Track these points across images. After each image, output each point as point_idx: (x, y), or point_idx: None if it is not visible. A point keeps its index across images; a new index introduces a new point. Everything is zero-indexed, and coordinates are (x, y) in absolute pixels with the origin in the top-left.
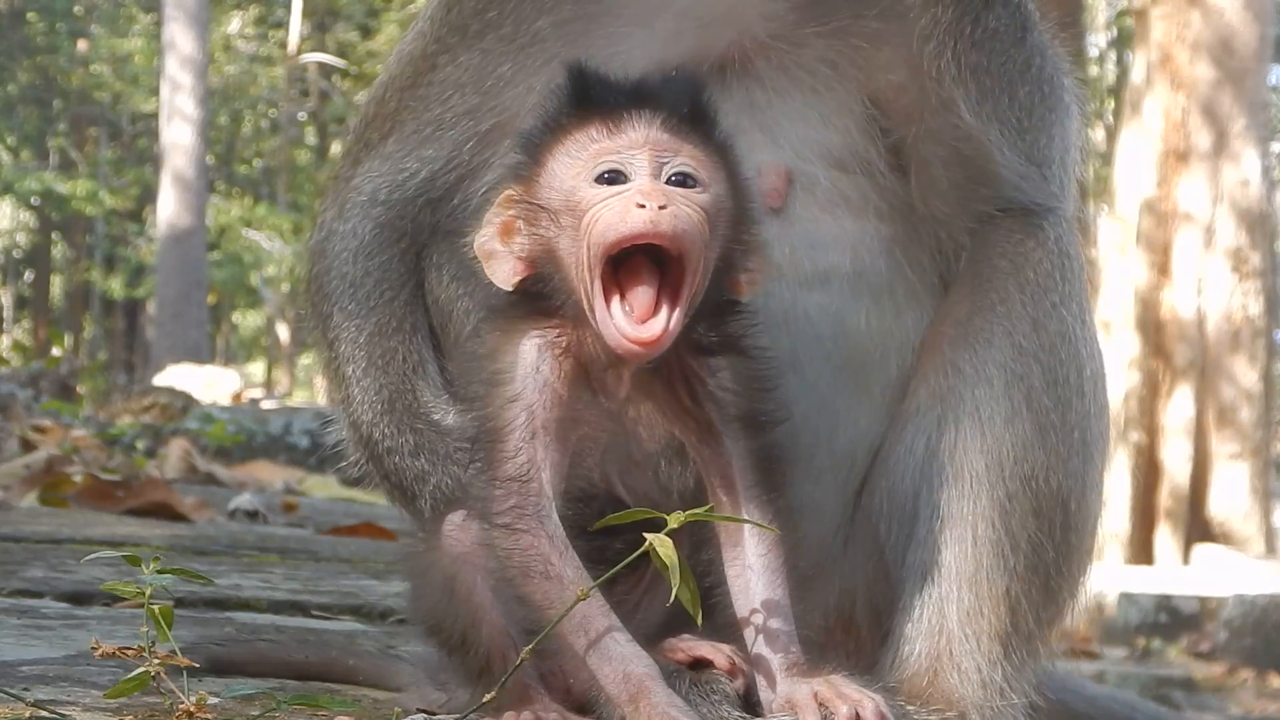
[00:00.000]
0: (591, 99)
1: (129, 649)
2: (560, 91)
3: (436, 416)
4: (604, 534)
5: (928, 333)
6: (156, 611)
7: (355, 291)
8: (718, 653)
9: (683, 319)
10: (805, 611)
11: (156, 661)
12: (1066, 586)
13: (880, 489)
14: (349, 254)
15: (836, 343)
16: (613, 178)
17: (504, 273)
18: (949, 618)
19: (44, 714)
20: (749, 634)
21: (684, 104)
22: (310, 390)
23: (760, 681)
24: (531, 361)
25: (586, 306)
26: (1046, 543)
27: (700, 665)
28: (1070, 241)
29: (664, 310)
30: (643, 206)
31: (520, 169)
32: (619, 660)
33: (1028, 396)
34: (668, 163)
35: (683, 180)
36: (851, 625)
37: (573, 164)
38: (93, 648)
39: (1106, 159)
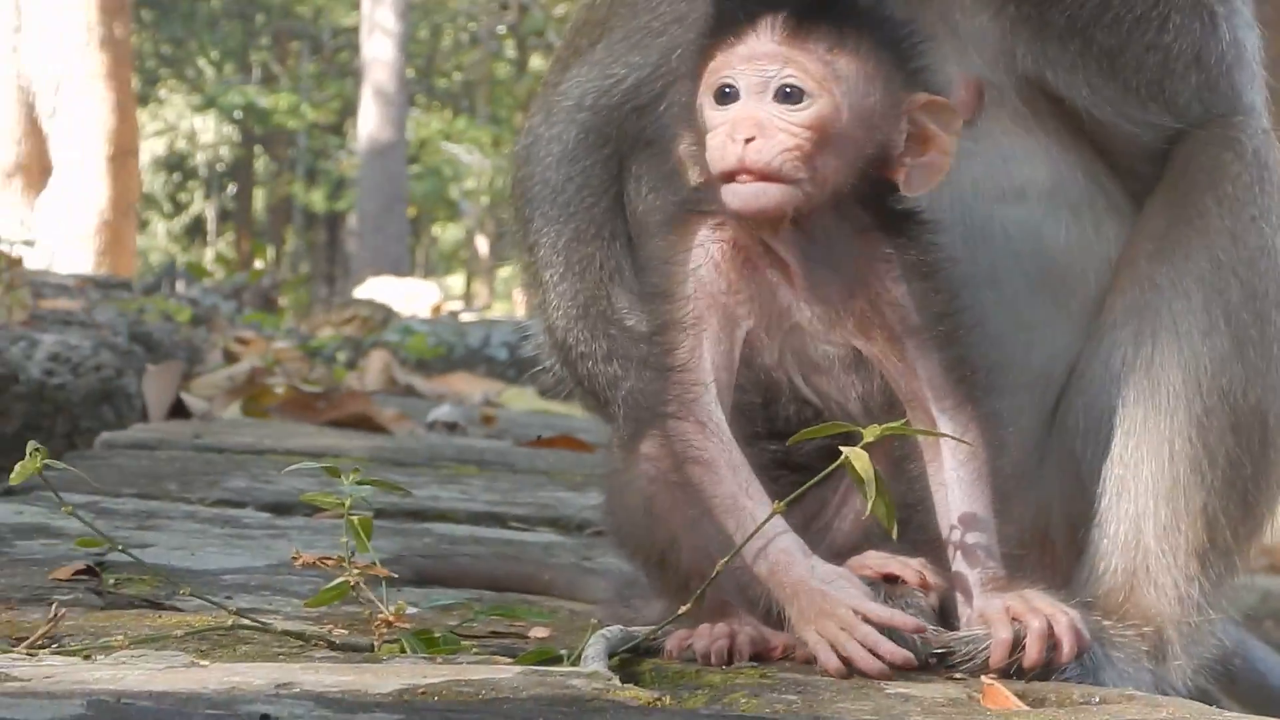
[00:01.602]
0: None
1: (329, 559)
2: None
3: (630, 322)
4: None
5: (1124, 248)
6: (356, 522)
7: (557, 197)
8: (906, 568)
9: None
10: (1004, 525)
11: (356, 571)
12: (1265, 501)
13: (1076, 404)
14: (553, 159)
15: (1034, 258)
16: (725, 95)
17: (694, 176)
18: (1145, 533)
19: (246, 622)
20: (948, 549)
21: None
22: (509, 303)
23: (958, 597)
24: (697, 254)
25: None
26: (1244, 458)
27: (892, 580)
28: (1269, 152)
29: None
30: (734, 140)
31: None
32: (759, 537)
33: (1225, 310)
34: (773, 77)
35: (787, 95)
36: (1047, 541)
37: (703, 79)
38: (293, 558)
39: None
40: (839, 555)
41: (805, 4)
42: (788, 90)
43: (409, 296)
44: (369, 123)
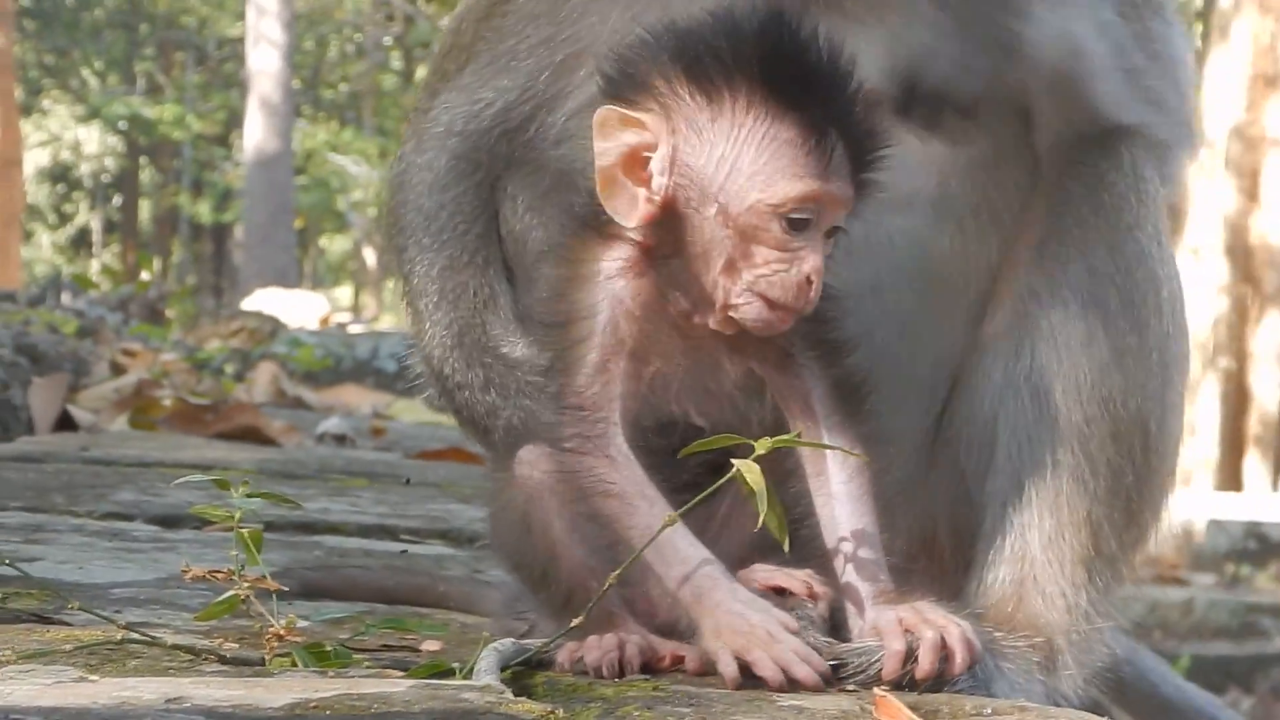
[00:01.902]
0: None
1: (219, 572)
2: (754, 36)
3: (505, 350)
4: (685, 461)
5: (1004, 257)
6: (246, 535)
7: (429, 225)
8: (793, 579)
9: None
10: (890, 538)
11: (246, 585)
12: (1149, 509)
13: (960, 415)
14: (424, 186)
15: (919, 267)
16: (800, 224)
17: (627, 209)
18: (1031, 543)
19: (135, 636)
20: (837, 562)
21: (871, 124)
22: (397, 315)
23: (849, 609)
24: (607, 289)
25: (709, 288)
26: (1127, 466)
27: (780, 593)
28: (1144, 161)
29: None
30: (808, 284)
31: (661, 91)
32: (680, 563)
33: (1104, 320)
34: (843, 212)
35: (833, 233)
36: (934, 552)
37: (769, 182)
38: (183, 571)
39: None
40: (729, 570)
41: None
42: (836, 230)
43: (297, 308)
44: (255, 134)
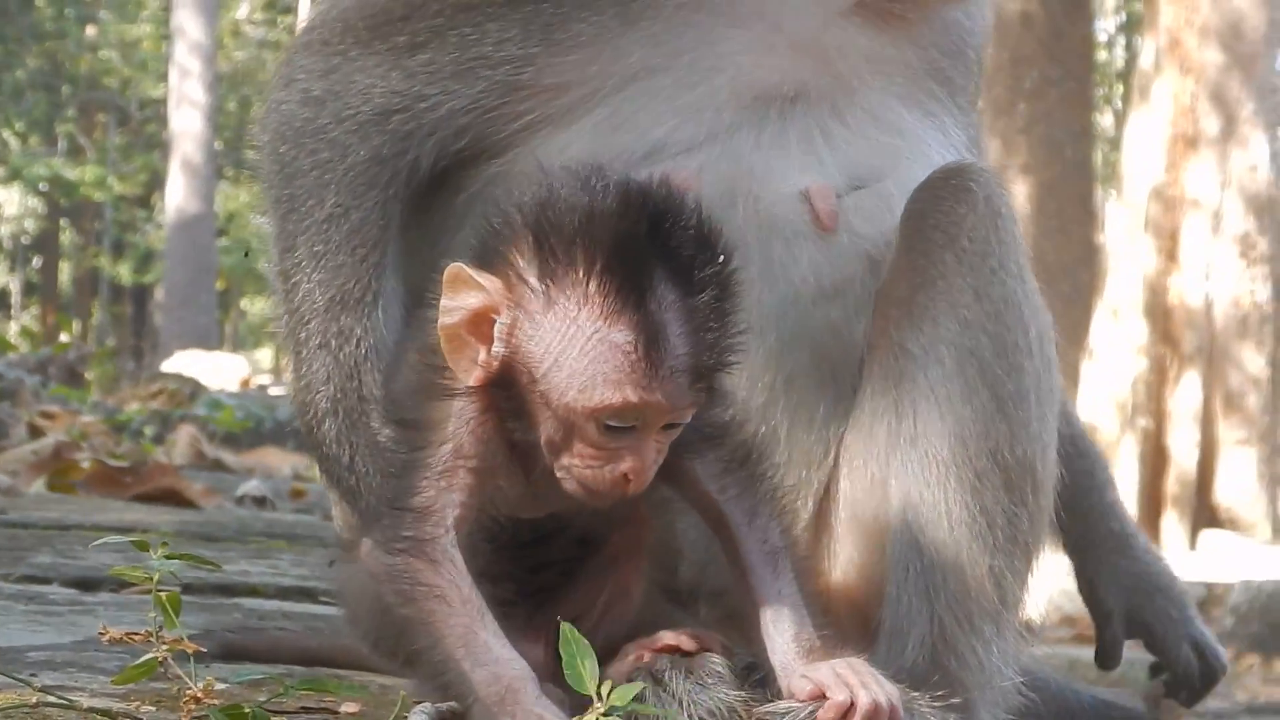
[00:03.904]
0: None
1: (136, 634)
2: (604, 217)
3: (374, 426)
4: (550, 539)
5: (875, 313)
6: (164, 597)
7: (327, 231)
8: (679, 636)
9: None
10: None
11: (164, 647)
12: (1043, 546)
13: (844, 476)
14: (333, 175)
15: (839, 357)
16: (617, 431)
17: (466, 368)
18: (938, 606)
19: (51, 699)
20: (762, 624)
21: (718, 320)
22: None
23: (779, 668)
24: (459, 407)
25: (545, 451)
26: (1021, 512)
27: (688, 654)
28: (1000, 198)
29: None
30: (625, 480)
31: (510, 260)
32: (492, 664)
33: (980, 370)
34: (678, 415)
35: (673, 426)
36: (830, 614)
37: (589, 384)
38: (100, 633)
39: (1115, 144)
40: (616, 648)
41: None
42: (675, 425)
43: (217, 370)
44: (177, 195)
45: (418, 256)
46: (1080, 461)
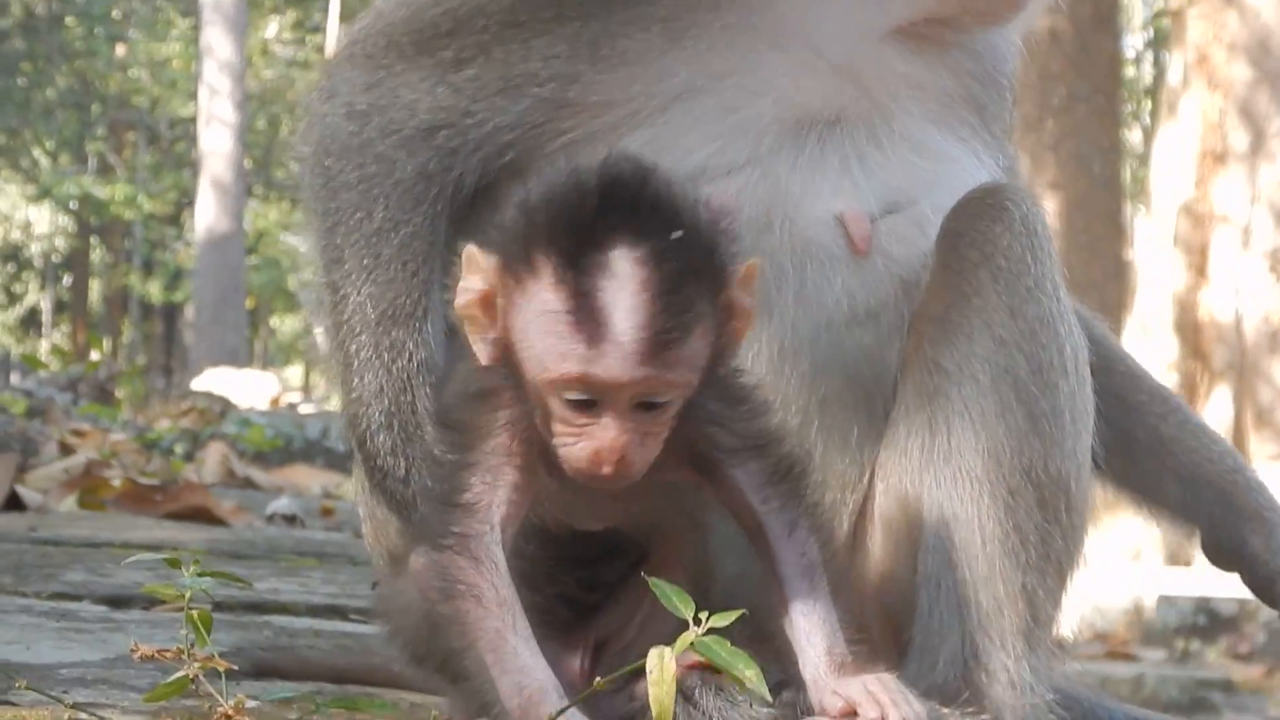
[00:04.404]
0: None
1: (168, 652)
2: (561, 199)
3: (428, 439)
4: (602, 552)
5: (910, 331)
6: (196, 615)
7: (375, 245)
8: None
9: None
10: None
11: (195, 665)
12: (1077, 563)
13: (879, 494)
14: (381, 189)
15: (871, 381)
16: (583, 405)
17: (481, 349)
18: (969, 622)
19: (83, 716)
20: (794, 638)
21: (684, 272)
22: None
23: (811, 683)
24: (505, 419)
25: (544, 433)
26: (1054, 530)
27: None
28: (1036, 218)
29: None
30: (599, 458)
31: (501, 246)
32: (517, 671)
33: (1015, 387)
34: (640, 393)
35: (651, 405)
36: (864, 631)
37: (542, 359)
38: (132, 650)
39: (1143, 160)
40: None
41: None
42: (653, 403)
43: (247, 388)
44: (207, 214)
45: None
46: (1207, 439)
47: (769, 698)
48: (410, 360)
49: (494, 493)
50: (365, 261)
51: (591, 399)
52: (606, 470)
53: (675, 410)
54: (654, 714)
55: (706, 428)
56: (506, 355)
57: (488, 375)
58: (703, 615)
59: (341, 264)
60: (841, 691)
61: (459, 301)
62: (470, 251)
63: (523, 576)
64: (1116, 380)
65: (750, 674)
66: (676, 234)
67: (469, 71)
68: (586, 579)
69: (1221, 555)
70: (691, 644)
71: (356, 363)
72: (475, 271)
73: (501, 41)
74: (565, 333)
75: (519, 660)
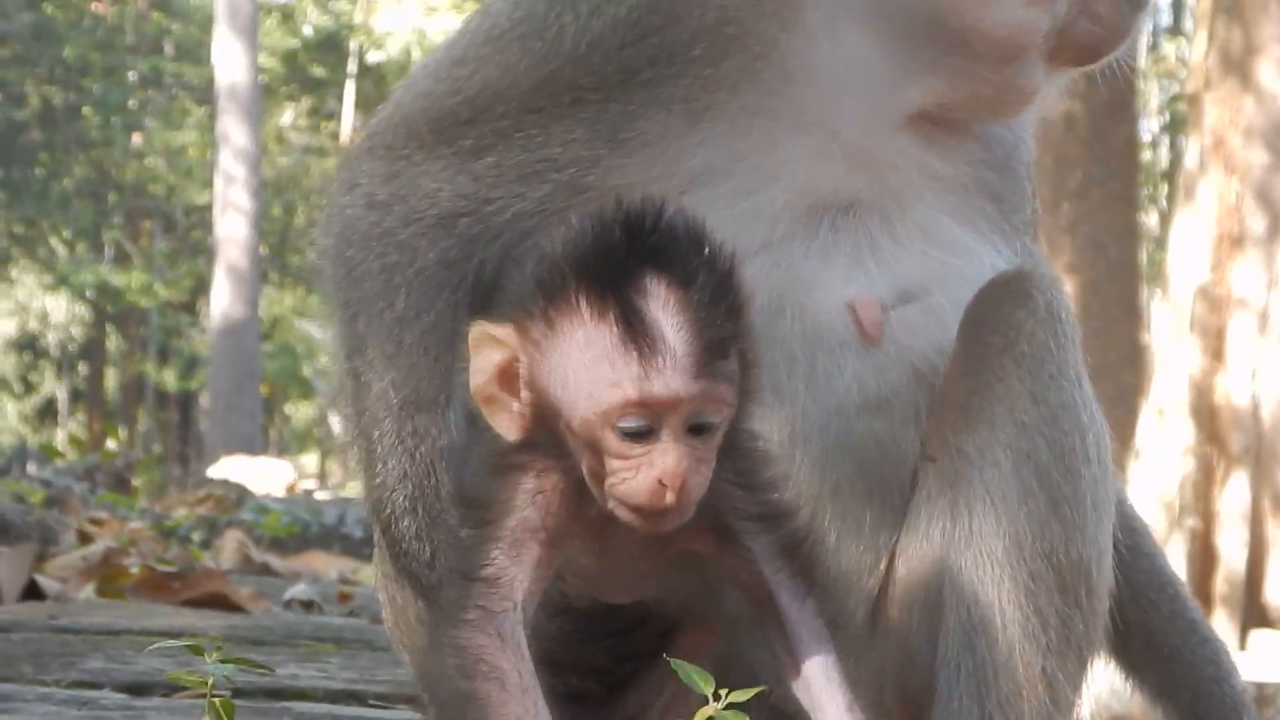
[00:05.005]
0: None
1: None
2: (587, 242)
3: (452, 522)
4: (629, 631)
5: (930, 417)
6: (218, 703)
7: (397, 333)
8: None
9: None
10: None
11: None
12: (1097, 648)
13: (900, 579)
14: (403, 278)
15: (884, 470)
16: (637, 433)
17: (506, 424)
18: (989, 704)
19: None
20: (812, 704)
21: (720, 308)
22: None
23: None
24: (530, 480)
25: (597, 493)
26: (1075, 614)
27: None
28: (1060, 305)
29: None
30: (661, 487)
31: (520, 306)
32: None
33: (1036, 473)
34: (693, 411)
35: (702, 428)
36: (884, 715)
37: (593, 393)
38: None
39: (1160, 244)
40: None
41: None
42: (705, 425)
43: (263, 475)
44: (222, 300)
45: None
46: (1196, 639)
47: None
48: (433, 446)
49: (518, 568)
50: (388, 349)
51: (647, 426)
52: (670, 500)
53: (720, 439)
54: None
55: (727, 489)
56: (538, 418)
57: (511, 451)
58: (723, 691)
59: (364, 352)
60: None
61: (475, 384)
62: (478, 329)
63: (545, 655)
64: (1119, 552)
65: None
66: (705, 252)
67: (489, 159)
68: (615, 648)
69: None
70: (710, 718)
71: (380, 449)
72: (489, 346)
73: (521, 128)
74: (615, 359)
75: None
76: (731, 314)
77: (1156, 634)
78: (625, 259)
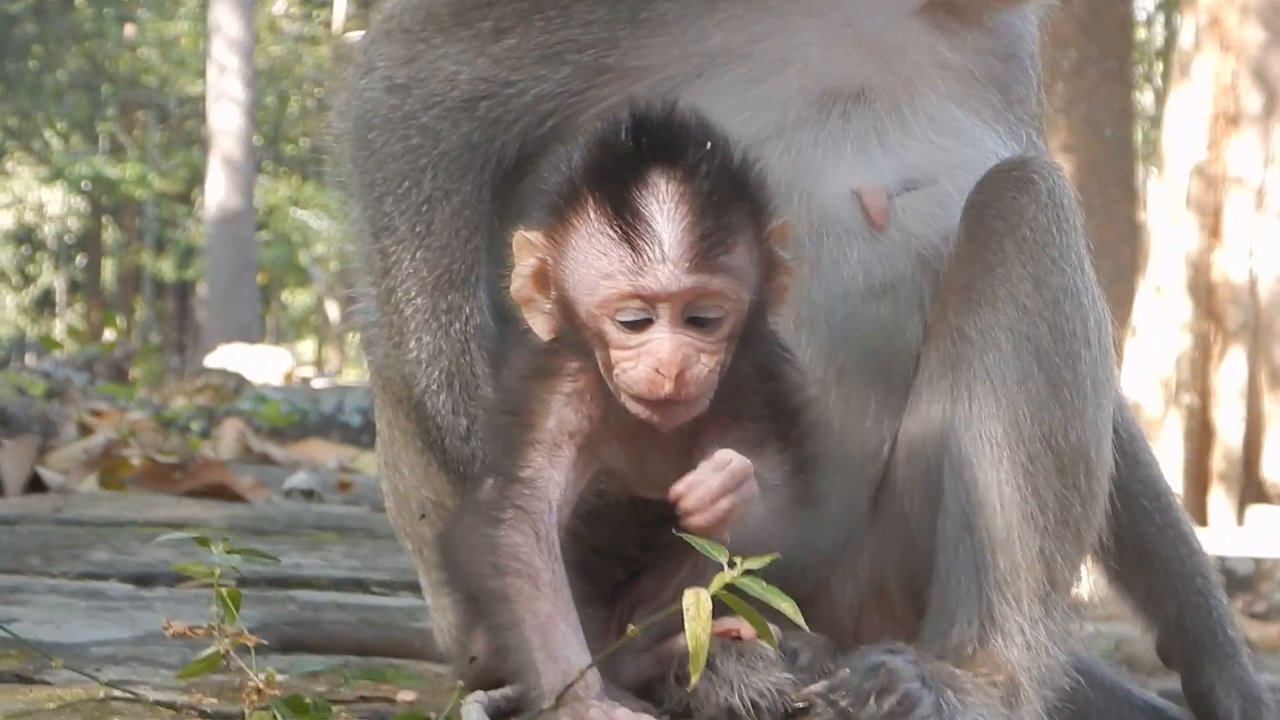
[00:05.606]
0: (622, 183)
1: (199, 628)
2: (598, 149)
3: (486, 392)
4: (649, 526)
5: (934, 300)
6: (225, 592)
7: (425, 214)
8: (738, 622)
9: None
10: (837, 586)
11: (226, 641)
12: (1095, 531)
13: (902, 461)
14: (428, 160)
15: (888, 354)
16: (635, 323)
17: (540, 324)
18: (986, 585)
19: (118, 694)
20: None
21: (722, 195)
22: (361, 368)
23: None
24: (564, 396)
25: (611, 385)
26: (1073, 496)
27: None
28: (1063, 191)
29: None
30: (659, 375)
31: (547, 215)
32: (564, 660)
33: (1037, 356)
34: (690, 303)
35: (703, 321)
36: (884, 597)
37: (593, 285)
38: (165, 627)
39: (1156, 122)
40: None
41: (723, 192)
42: (704, 318)
43: (261, 364)
44: (217, 191)
45: (500, 244)
46: (1196, 561)
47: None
48: (467, 323)
49: (554, 469)
50: (418, 229)
51: (644, 317)
52: (668, 389)
53: (727, 332)
54: (690, 650)
55: (746, 385)
56: (564, 316)
57: (546, 354)
58: (737, 559)
59: (393, 231)
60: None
61: (514, 287)
62: (519, 235)
63: (572, 561)
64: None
65: (786, 606)
66: (708, 147)
67: (508, 41)
68: (645, 539)
69: (1170, 663)
70: (728, 584)
71: (413, 325)
72: (526, 251)
73: (540, 9)
74: (610, 253)
75: (568, 648)
76: (733, 207)
77: (1149, 542)
78: (630, 157)
